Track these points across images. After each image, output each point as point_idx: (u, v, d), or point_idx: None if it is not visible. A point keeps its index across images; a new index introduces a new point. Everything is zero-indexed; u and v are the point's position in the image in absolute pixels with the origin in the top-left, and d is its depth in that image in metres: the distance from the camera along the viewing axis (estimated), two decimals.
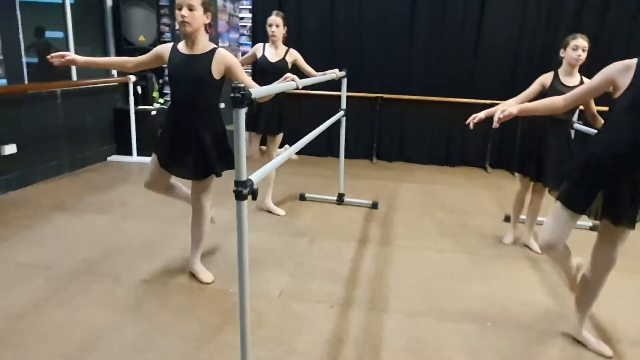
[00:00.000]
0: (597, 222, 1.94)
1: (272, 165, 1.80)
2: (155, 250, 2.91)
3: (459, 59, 5.33)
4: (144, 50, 5.00)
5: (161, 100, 5.59)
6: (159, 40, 5.33)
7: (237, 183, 1.48)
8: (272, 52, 3.39)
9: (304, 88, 2.47)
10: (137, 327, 2.11)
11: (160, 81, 5.68)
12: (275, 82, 2.21)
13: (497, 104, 4.87)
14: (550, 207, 2.02)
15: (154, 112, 5.30)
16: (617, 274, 2.18)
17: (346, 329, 2.18)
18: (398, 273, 2.79)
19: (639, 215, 1.85)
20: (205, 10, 2.15)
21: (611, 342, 2.17)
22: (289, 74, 2.20)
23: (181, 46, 2.25)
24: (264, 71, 3.33)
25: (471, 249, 3.18)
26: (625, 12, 4.87)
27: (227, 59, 2.20)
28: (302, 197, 4.07)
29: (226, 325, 2.15)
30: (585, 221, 3.57)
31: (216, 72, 2.19)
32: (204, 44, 2.21)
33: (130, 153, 5.15)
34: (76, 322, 2.12)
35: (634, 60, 1.75)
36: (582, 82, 2.86)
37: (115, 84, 5.17)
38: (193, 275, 2.57)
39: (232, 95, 1.41)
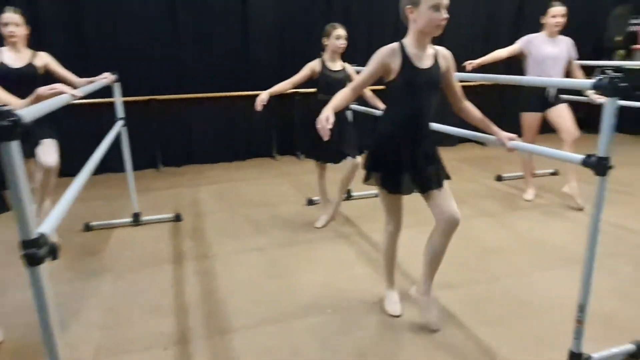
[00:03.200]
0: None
1: (67, 200, 1.38)
2: None
3: (230, 53, 5.26)
4: None
5: None
6: None
7: (26, 244, 1.06)
8: (13, 57, 2.69)
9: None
10: None
11: None
12: (42, 95, 1.70)
13: (277, 95, 4.88)
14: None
15: None
16: (412, 230, 2.47)
17: None
18: (227, 284, 2.60)
19: (442, 171, 2.04)
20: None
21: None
22: (56, 85, 1.73)
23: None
24: (6, 80, 2.61)
25: (288, 240, 3.20)
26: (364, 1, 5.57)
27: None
28: (88, 228, 3.43)
29: None
30: (369, 190, 4.02)
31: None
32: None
33: None
34: None
35: (397, 44, 1.92)
36: (343, 68, 3.15)
37: None
38: None
39: None
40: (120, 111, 3.30)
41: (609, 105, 1.51)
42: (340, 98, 1.97)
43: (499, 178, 4.58)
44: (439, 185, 2.00)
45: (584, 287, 1.73)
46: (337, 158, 3.23)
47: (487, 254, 2.94)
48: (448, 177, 2.05)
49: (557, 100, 3.71)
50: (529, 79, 3.37)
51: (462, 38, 5.85)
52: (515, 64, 4.01)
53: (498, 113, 6.37)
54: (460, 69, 2.45)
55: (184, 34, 5.06)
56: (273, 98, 5.35)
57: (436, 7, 1.79)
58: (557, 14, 3.54)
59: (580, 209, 3.65)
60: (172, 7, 4.97)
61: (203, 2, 5.04)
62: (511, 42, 3.86)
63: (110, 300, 2.45)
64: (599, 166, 1.56)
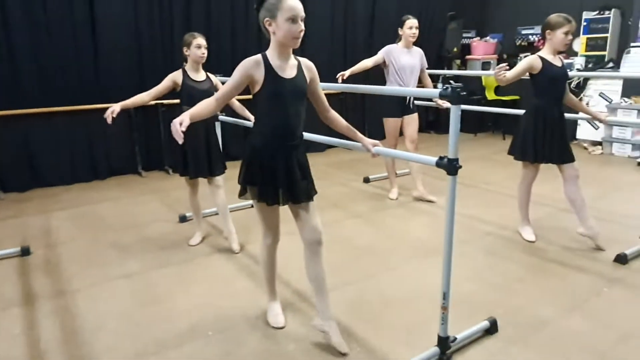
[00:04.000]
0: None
1: None
2: None
3: (79, 64, 4.75)
4: None
5: None
6: None
7: None
8: None
9: None
10: None
11: None
12: None
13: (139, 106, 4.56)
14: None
15: None
16: (289, 237, 2.45)
17: None
18: (92, 320, 2.33)
19: (311, 185, 2.08)
20: None
21: (309, 299, 2.50)
22: None
23: None
24: None
25: (161, 262, 3.00)
26: (225, 11, 5.47)
27: None
28: None
29: None
30: (243, 202, 3.98)
31: None
32: None
33: None
34: None
35: (260, 56, 1.93)
36: (208, 77, 3.08)
37: None
38: None
39: None
40: None
41: (454, 112, 1.69)
42: (202, 107, 1.91)
43: (366, 180, 4.87)
44: (309, 198, 2.05)
45: (445, 276, 1.90)
46: (206, 172, 3.13)
47: (358, 253, 3.09)
48: (315, 192, 2.10)
49: (413, 107, 4.09)
50: (386, 88, 3.64)
51: (322, 50, 6.10)
52: (374, 73, 4.28)
53: (361, 118, 6.82)
54: (325, 79, 2.54)
55: (18, 42, 4.42)
56: (135, 110, 5.07)
57: (292, 20, 1.83)
58: (413, 25, 3.88)
59: (434, 202, 4.07)
60: (1, 11, 4.33)
61: (41, 4, 4.49)
62: (366, 52, 4.15)
63: None
64: (450, 167, 1.73)
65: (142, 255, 3.10)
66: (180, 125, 1.72)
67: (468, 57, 7.61)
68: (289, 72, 1.94)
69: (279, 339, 2.16)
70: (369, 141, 2.11)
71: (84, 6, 4.68)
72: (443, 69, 7.19)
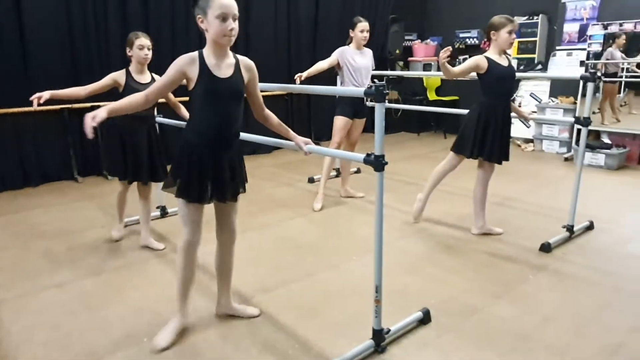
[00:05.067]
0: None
1: None
2: None
3: (6, 63, 4.48)
4: None
5: None
6: None
7: None
8: None
9: None
10: None
11: None
12: None
13: (74, 109, 4.45)
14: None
15: None
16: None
17: None
18: (18, 332, 2.21)
19: (240, 183, 2.12)
20: None
21: (250, 301, 2.49)
22: None
23: None
24: None
25: (95, 269, 2.89)
26: (164, 9, 5.34)
27: None
28: None
29: None
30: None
31: None
32: None
33: None
34: None
35: (196, 53, 1.92)
36: (153, 79, 3.00)
37: None
38: None
39: None
40: None
41: (378, 110, 1.75)
42: (127, 101, 1.87)
43: (311, 180, 4.90)
44: (234, 198, 2.09)
45: (377, 270, 1.96)
46: (146, 177, 3.05)
47: (302, 252, 3.11)
48: (244, 190, 2.14)
49: (366, 111, 4.14)
50: (318, 87, 3.67)
51: (266, 52, 6.09)
52: (317, 76, 4.28)
53: (306, 120, 6.87)
54: (270, 81, 2.54)
55: None
56: (70, 113, 4.86)
57: (222, 17, 1.81)
58: (364, 28, 3.92)
59: (363, 197, 4.30)
60: None
61: None
62: (310, 54, 4.17)
63: None
64: (377, 163, 1.79)
65: (75, 264, 2.97)
66: (93, 119, 1.67)
67: (410, 59, 7.84)
68: (225, 71, 1.93)
69: (215, 342, 2.14)
70: (300, 139, 2.14)
71: (7, 1, 4.42)
72: (386, 70, 7.36)
